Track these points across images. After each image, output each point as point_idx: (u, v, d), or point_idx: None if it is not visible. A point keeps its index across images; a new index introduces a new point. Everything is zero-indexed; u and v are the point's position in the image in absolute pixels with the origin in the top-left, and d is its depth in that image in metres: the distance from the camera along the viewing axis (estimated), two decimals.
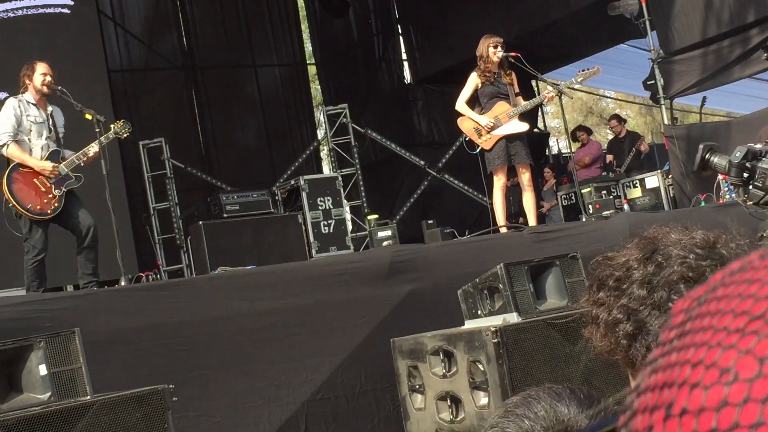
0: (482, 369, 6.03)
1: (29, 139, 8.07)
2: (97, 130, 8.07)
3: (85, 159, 8.15)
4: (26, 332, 5.65)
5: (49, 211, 7.94)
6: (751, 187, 4.97)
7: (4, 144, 7.94)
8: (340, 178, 12.99)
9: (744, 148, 5.01)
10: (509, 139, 9.34)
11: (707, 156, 5.16)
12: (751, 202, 5.14)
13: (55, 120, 8.26)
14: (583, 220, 9.04)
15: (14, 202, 7.83)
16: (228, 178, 16.10)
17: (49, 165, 7.96)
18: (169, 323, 6.52)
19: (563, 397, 1.61)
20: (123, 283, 7.56)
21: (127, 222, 14.00)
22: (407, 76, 18.82)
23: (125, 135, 8.66)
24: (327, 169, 18.83)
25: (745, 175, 4.89)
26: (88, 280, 7.96)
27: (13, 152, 7.94)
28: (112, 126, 8.47)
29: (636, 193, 12.81)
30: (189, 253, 12.89)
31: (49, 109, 8.27)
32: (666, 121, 12.45)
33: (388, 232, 7.97)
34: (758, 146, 4.80)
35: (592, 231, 8.14)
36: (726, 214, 8.12)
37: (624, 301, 1.91)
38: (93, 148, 8.14)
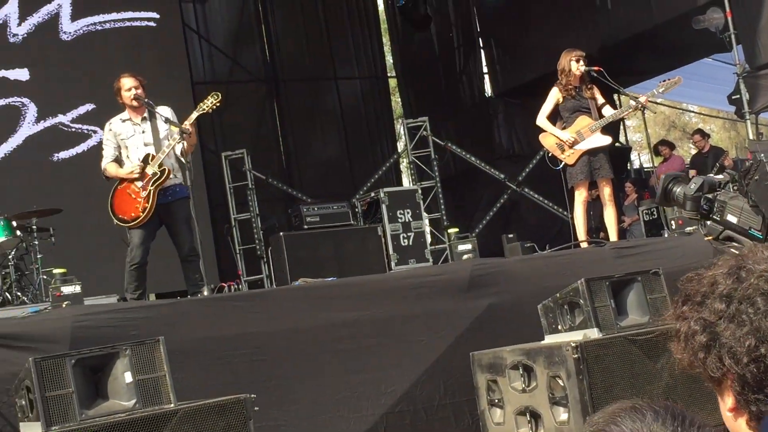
0: (562, 384, 6.00)
1: (128, 156, 8.40)
2: (183, 143, 8.18)
3: (179, 149, 8.26)
4: (112, 340, 5.77)
5: (139, 215, 8.17)
6: (709, 221, 4.85)
7: (103, 170, 8.49)
8: (419, 191, 13.02)
9: (700, 179, 4.89)
10: (592, 153, 9.27)
11: (669, 186, 5.03)
12: (710, 237, 4.99)
13: (156, 120, 8.41)
14: (665, 236, 8.95)
15: (116, 220, 8.28)
16: (308, 190, 16.21)
17: (129, 168, 8.22)
18: (250, 333, 6.59)
19: (649, 413, 1.62)
20: (206, 293, 7.67)
21: (209, 232, 14.17)
22: (488, 89, 18.78)
23: (216, 106, 8.63)
24: (406, 182, 18.87)
25: (705, 207, 4.78)
26: (193, 290, 8.19)
27: (109, 172, 8.44)
28: (199, 104, 8.58)
29: None
30: (269, 263, 13.00)
31: (145, 113, 8.44)
32: (751, 136, 12.26)
33: (468, 246, 7.96)
34: (719, 177, 4.66)
35: (674, 247, 8.05)
36: None
37: (704, 315, 1.92)
38: (177, 137, 8.22)
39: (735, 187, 4.92)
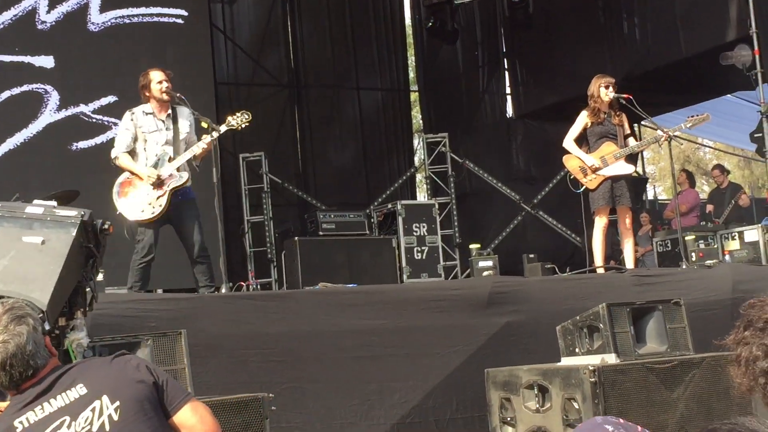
0: (577, 407, 5.99)
1: (144, 149, 8.28)
2: (211, 138, 8.19)
3: (196, 155, 8.27)
4: (132, 329, 5.79)
5: (152, 213, 8.07)
6: None
7: (115, 157, 8.31)
8: (436, 206, 13.03)
9: None
10: (614, 180, 9.29)
11: None
12: None
13: (177, 120, 8.41)
14: (683, 267, 8.94)
15: (120, 210, 8.11)
16: (322, 197, 16.21)
17: (147, 172, 8.12)
18: (268, 333, 6.60)
19: None
20: (224, 290, 7.65)
21: (221, 233, 14.15)
22: (509, 109, 18.78)
23: (244, 125, 8.69)
24: (421, 197, 18.86)
25: None
26: (207, 291, 8.06)
27: (122, 163, 8.28)
28: (228, 118, 8.56)
29: (734, 245, 12.59)
30: (280, 267, 13.00)
31: (169, 111, 8.42)
32: None
33: (489, 263, 7.98)
34: None
35: (695, 279, 8.06)
36: None
37: (766, 341, 1.92)
38: (202, 144, 8.26)
39: None
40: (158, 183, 8.09)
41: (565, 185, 9.84)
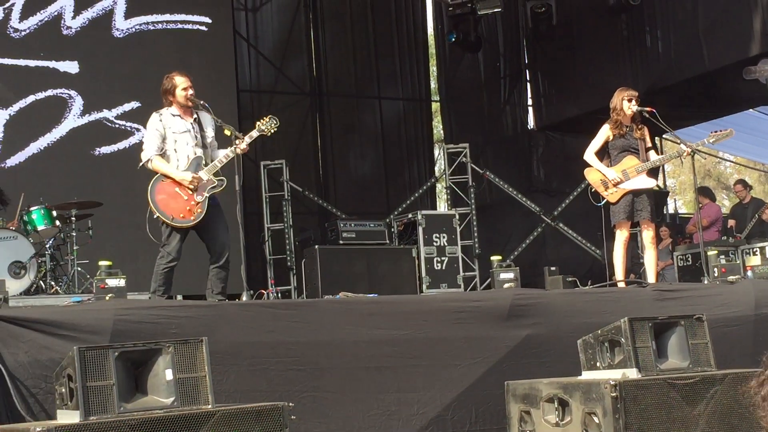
0: (597, 422, 5.97)
1: (175, 150, 8.23)
2: (246, 143, 8.22)
3: (227, 160, 8.30)
4: (153, 336, 5.79)
5: (192, 218, 8.07)
6: None
7: (148, 159, 8.18)
8: (457, 216, 13.02)
9: None
10: (635, 194, 9.25)
11: None
12: None
13: (202, 125, 8.42)
14: (705, 282, 8.89)
15: (158, 214, 8.02)
16: (342, 206, 16.24)
17: (188, 176, 8.09)
18: (289, 342, 6.59)
19: None
20: (245, 298, 7.65)
21: (241, 240, 14.18)
22: (531, 121, 18.77)
23: (273, 131, 8.68)
24: (441, 207, 18.85)
25: None
26: (216, 299, 8.05)
27: (157, 166, 8.16)
28: (257, 123, 8.54)
29: (755, 260, 12.55)
30: (300, 275, 13.01)
31: (194, 115, 8.42)
32: None
33: (511, 275, 7.93)
34: None
35: (717, 294, 8.01)
36: None
37: None
38: (240, 146, 8.27)
39: None
40: (198, 188, 8.11)
41: (586, 198, 9.81)
